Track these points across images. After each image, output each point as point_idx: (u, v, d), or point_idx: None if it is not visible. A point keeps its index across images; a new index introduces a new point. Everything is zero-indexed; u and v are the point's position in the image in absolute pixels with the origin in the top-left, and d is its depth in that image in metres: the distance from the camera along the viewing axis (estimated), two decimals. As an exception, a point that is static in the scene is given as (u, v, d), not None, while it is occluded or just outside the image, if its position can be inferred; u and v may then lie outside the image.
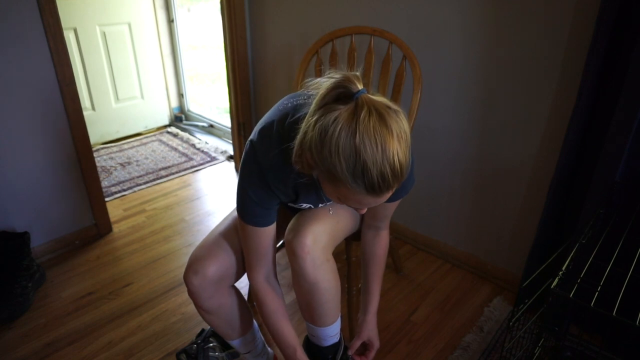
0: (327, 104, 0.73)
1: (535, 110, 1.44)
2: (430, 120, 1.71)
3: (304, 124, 0.77)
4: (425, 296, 1.68)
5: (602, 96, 1.24)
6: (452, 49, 1.57)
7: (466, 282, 1.76)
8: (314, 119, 0.73)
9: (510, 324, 1.01)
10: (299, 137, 0.78)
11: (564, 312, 1.23)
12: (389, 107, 0.74)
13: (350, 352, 1.19)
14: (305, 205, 1.06)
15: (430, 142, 1.75)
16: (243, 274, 1.13)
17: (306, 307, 1.10)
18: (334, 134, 0.70)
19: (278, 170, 0.90)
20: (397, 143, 0.73)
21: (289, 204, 1.06)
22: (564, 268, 0.95)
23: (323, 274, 1.02)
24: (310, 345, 1.19)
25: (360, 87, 0.74)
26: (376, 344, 1.20)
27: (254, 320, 1.26)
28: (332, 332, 1.14)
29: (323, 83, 0.76)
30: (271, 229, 1.02)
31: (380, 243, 1.17)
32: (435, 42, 1.60)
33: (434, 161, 1.77)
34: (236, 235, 1.10)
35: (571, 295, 0.88)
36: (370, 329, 1.18)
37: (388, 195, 0.77)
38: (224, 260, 1.07)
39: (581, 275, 0.94)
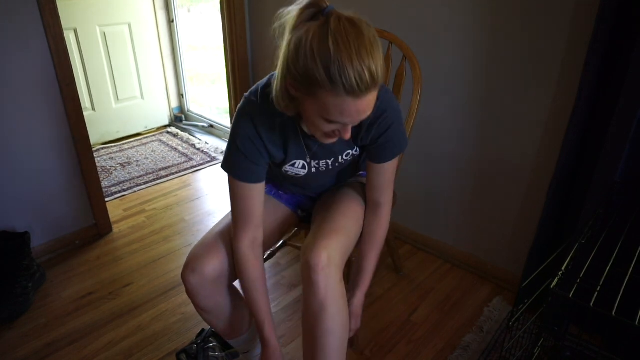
0: (299, 24, 0.79)
1: (535, 110, 1.44)
2: (430, 120, 1.71)
3: (281, 50, 0.82)
4: (425, 296, 1.68)
5: (602, 96, 1.24)
6: (452, 49, 1.57)
7: (466, 282, 1.76)
8: (288, 38, 0.79)
9: (510, 324, 1.02)
10: (278, 66, 0.83)
11: (564, 312, 1.23)
12: (359, 18, 0.80)
13: None
14: (298, 164, 1.05)
15: (430, 142, 1.75)
16: None
17: (310, 340, 1.00)
18: (306, 42, 0.76)
19: (267, 117, 0.95)
20: (369, 44, 0.77)
21: (284, 170, 1.07)
22: (563, 268, 0.95)
23: (333, 294, 0.97)
24: None
25: (328, 4, 0.80)
26: (356, 324, 1.14)
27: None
28: None
29: (293, 9, 0.82)
30: (259, 188, 1.02)
31: (379, 222, 1.14)
32: (435, 42, 1.60)
33: (434, 161, 1.77)
34: (229, 231, 1.09)
35: (571, 295, 0.88)
36: (355, 308, 1.13)
37: (368, 98, 0.80)
38: (222, 258, 1.06)
39: (581, 276, 0.94)
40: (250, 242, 1.05)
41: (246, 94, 0.99)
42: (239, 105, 0.99)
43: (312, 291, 0.98)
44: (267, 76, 0.99)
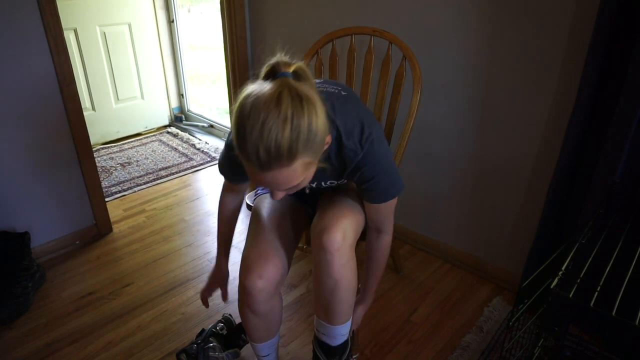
0: (260, 79, 0.82)
1: (535, 110, 1.44)
2: (430, 120, 1.71)
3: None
4: (425, 296, 1.68)
5: (602, 96, 1.24)
6: (452, 49, 1.57)
7: (466, 282, 1.76)
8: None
9: (510, 324, 1.02)
10: None
11: (564, 312, 1.23)
12: (300, 95, 0.76)
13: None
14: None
15: (430, 142, 1.75)
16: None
17: (324, 304, 1.10)
18: (239, 100, 0.78)
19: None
20: (280, 123, 0.74)
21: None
22: (563, 268, 0.95)
23: (347, 272, 1.04)
24: (320, 344, 1.18)
25: (289, 71, 0.80)
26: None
27: None
28: (344, 331, 1.15)
29: (269, 62, 0.83)
30: (244, 185, 1.18)
31: (379, 246, 1.18)
32: (435, 42, 1.60)
33: (434, 161, 1.77)
34: (281, 234, 1.13)
35: (571, 295, 0.88)
36: (355, 319, 1.23)
37: (275, 174, 0.78)
38: (282, 262, 1.08)
39: (581, 275, 0.94)
40: (231, 194, 1.21)
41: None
42: (227, 140, 1.06)
43: (326, 271, 1.02)
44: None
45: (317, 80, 1.06)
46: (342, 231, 1.01)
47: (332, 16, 1.89)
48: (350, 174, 1.03)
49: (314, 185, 1.13)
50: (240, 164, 0.94)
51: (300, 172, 0.82)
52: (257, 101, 0.75)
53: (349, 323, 1.15)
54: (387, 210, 1.11)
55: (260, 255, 1.06)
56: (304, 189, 1.14)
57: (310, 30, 2.01)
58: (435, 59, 1.62)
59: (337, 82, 1.08)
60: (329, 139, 0.88)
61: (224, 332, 1.35)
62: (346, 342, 1.18)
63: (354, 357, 1.27)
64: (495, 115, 1.54)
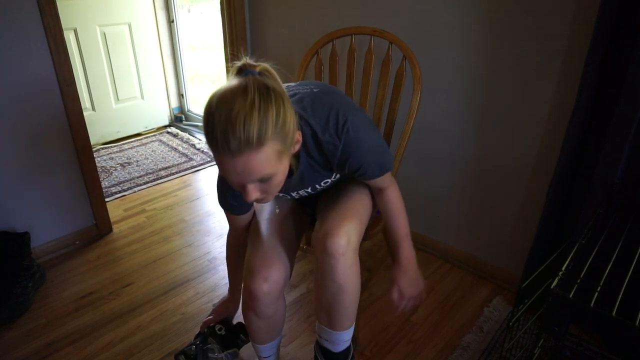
0: (231, 77, 0.85)
1: (535, 110, 1.44)
2: (430, 121, 1.71)
3: None
4: (425, 296, 1.68)
5: (602, 96, 1.24)
6: (452, 50, 1.57)
7: (466, 282, 1.76)
8: None
9: (510, 324, 1.01)
10: None
11: (564, 312, 1.23)
12: (267, 86, 0.80)
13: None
14: (278, 194, 1.14)
15: (430, 142, 1.75)
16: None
17: (327, 309, 1.08)
18: (208, 99, 0.82)
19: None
20: (248, 107, 0.76)
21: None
22: (563, 268, 0.95)
23: (351, 276, 1.02)
24: (322, 350, 1.17)
25: (256, 69, 0.84)
26: (406, 292, 1.13)
27: None
28: (347, 337, 1.13)
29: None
30: (245, 217, 1.16)
31: (389, 200, 1.15)
32: (435, 42, 1.60)
33: (434, 161, 1.77)
34: (283, 236, 1.13)
35: (571, 296, 0.88)
36: (400, 275, 1.14)
37: (244, 160, 0.78)
38: (285, 265, 1.08)
39: (581, 276, 0.94)
40: (235, 233, 1.24)
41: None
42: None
43: (329, 275, 1.01)
44: None
45: (292, 84, 1.06)
46: (347, 235, 1.00)
47: (332, 16, 1.89)
48: (339, 168, 1.01)
49: (309, 190, 1.12)
50: (227, 190, 1.00)
51: (272, 160, 0.81)
52: (224, 93, 0.79)
53: (351, 329, 1.13)
54: (385, 177, 1.10)
55: (264, 259, 1.06)
56: (296, 193, 1.13)
57: (310, 30, 2.01)
58: (435, 59, 1.62)
59: (312, 82, 1.07)
60: (299, 135, 0.90)
61: (222, 332, 1.35)
62: (348, 348, 1.17)
63: None
64: (496, 115, 1.54)
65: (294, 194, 1.13)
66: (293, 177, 1.03)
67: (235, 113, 0.76)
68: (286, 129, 0.82)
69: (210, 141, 0.79)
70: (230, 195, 1.07)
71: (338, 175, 1.11)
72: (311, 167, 1.03)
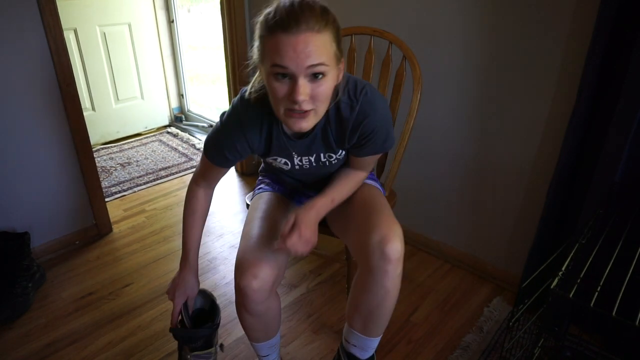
0: None
1: (535, 110, 1.44)
2: (430, 121, 1.71)
3: None
4: (425, 296, 1.68)
5: (602, 97, 1.24)
6: (452, 50, 1.57)
7: (466, 282, 1.76)
8: None
9: (510, 324, 1.02)
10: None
11: (564, 312, 1.23)
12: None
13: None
14: (280, 160, 1.12)
15: (430, 142, 1.75)
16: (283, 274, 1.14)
17: (365, 314, 1.08)
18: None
19: (255, 115, 1.01)
20: (311, 1, 0.84)
21: (267, 161, 1.15)
22: (563, 268, 0.95)
23: (399, 282, 1.04)
24: (349, 356, 1.16)
25: None
26: (304, 233, 1.02)
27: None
28: (376, 344, 1.14)
29: None
30: (225, 170, 1.14)
31: (352, 178, 1.14)
32: (435, 42, 1.60)
33: (434, 161, 1.77)
34: (277, 234, 1.10)
35: (571, 296, 0.88)
36: (305, 214, 1.06)
37: (302, 37, 0.82)
38: (277, 263, 1.07)
39: (581, 276, 0.94)
40: (204, 187, 1.17)
41: (242, 90, 1.04)
42: (234, 99, 1.05)
43: (380, 281, 1.01)
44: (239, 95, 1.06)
45: None
46: (400, 240, 1.01)
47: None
48: (351, 134, 1.02)
49: (312, 160, 1.10)
50: (231, 142, 1.02)
51: (329, 52, 0.85)
52: None
53: (380, 337, 1.14)
54: (372, 159, 1.13)
55: (255, 256, 1.05)
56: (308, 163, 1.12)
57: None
58: (435, 59, 1.62)
59: None
60: (343, 65, 0.94)
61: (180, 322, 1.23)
62: (373, 356, 1.17)
63: None
64: (496, 115, 1.54)
65: (296, 160, 1.11)
66: (305, 139, 1.04)
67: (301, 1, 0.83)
68: (340, 36, 0.89)
69: (271, 22, 0.83)
70: (230, 149, 1.05)
71: (341, 156, 1.11)
72: (324, 133, 1.04)
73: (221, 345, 1.30)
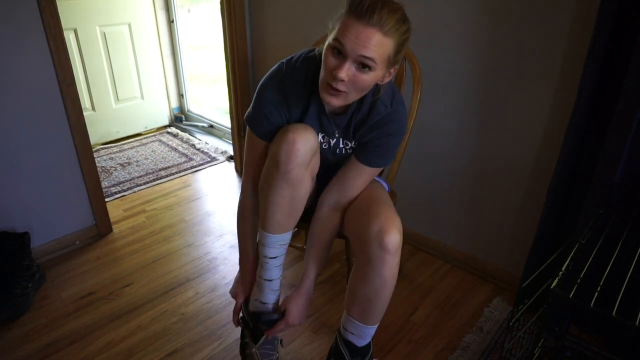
0: None
1: (535, 110, 1.44)
2: (430, 121, 1.71)
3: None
4: (425, 296, 1.68)
5: (602, 96, 1.24)
6: (452, 50, 1.57)
7: (466, 282, 1.76)
8: None
9: (510, 324, 1.02)
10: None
11: (564, 312, 1.23)
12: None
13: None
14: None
15: (430, 142, 1.75)
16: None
17: (363, 302, 1.12)
18: None
19: (297, 82, 1.08)
20: (400, 6, 0.95)
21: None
22: (563, 268, 0.95)
23: (396, 271, 1.08)
24: (346, 343, 1.19)
25: None
26: (294, 321, 1.22)
27: None
28: (373, 332, 1.17)
29: None
30: (264, 144, 1.16)
31: (332, 225, 1.20)
32: (435, 42, 1.60)
33: (434, 161, 1.77)
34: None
35: (571, 296, 0.88)
36: (292, 303, 1.22)
37: (369, 31, 0.90)
38: (315, 141, 1.10)
39: (581, 276, 0.94)
40: (252, 192, 1.22)
41: (286, 59, 1.11)
42: (274, 68, 1.11)
43: (379, 270, 1.06)
44: (301, 51, 1.13)
45: None
46: (399, 231, 1.05)
47: (332, 16, 1.89)
48: (367, 130, 1.09)
49: (331, 141, 1.17)
50: (278, 116, 1.09)
51: (383, 54, 0.93)
52: None
53: (377, 325, 1.17)
54: (364, 180, 1.17)
55: (296, 128, 1.07)
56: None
57: (311, 30, 2.01)
58: (435, 59, 1.62)
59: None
60: (394, 71, 1.03)
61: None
62: (370, 344, 1.20)
63: None
64: (495, 115, 1.54)
65: (320, 137, 1.16)
66: (336, 118, 1.10)
67: (390, 1, 0.92)
68: (404, 46, 0.99)
69: (353, 8, 0.91)
70: (277, 118, 1.11)
71: (351, 148, 1.17)
72: (348, 122, 1.10)
73: (280, 341, 1.32)
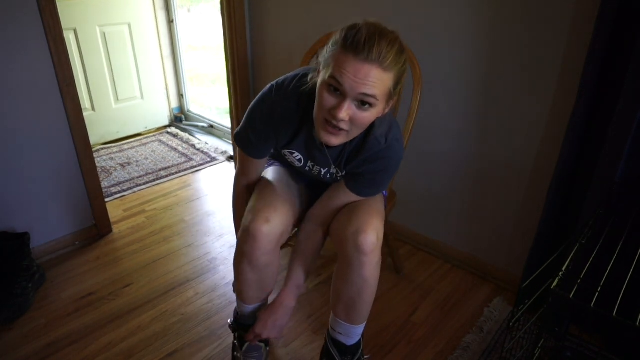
0: None
1: (535, 110, 1.44)
2: (430, 121, 1.71)
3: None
4: (425, 296, 1.68)
5: (602, 97, 1.24)
6: (452, 50, 1.57)
7: (466, 282, 1.76)
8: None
9: (511, 324, 1.01)
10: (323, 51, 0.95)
11: (564, 313, 1.23)
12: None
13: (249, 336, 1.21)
14: (296, 155, 1.14)
15: (430, 142, 1.75)
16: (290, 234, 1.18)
17: (347, 303, 1.12)
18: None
19: (289, 106, 1.03)
20: (396, 38, 0.89)
21: (283, 152, 1.15)
22: (564, 268, 0.95)
23: (377, 272, 1.08)
24: (335, 343, 1.20)
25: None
26: (264, 334, 1.18)
27: None
28: (360, 331, 1.18)
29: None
30: (261, 162, 1.18)
31: (316, 238, 1.21)
32: (435, 42, 1.60)
33: (434, 161, 1.77)
34: (288, 192, 1.16)
35: (571, 296, 0.88)
36: (264, 313, 1.19)
37: (368, 68, 0.85)
38: (287, 215, 1.10)
39: (581, 276, 0.94)
40: (246, 185, 1.23)
41: (277, 82, 1.06)
42: (264, 90, 1.07)
43: (358, 271, 1.06)
44: (295, 71, 1.08)
45: None
46: (376, 232, 1.04)
47: (332, 16, 1.89)
48: (359, 163, 1.06)
49: (324, 170, 1.15)
50: (268, 137, 1.05)
51: (384, 90, 0.88)
52: (366, 22, 0.90)
53: (364, 324, 1.18)
54: (353, 202, 1.15)
55: (267, 203, 1.08)
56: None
57: (310, 30, 2.01)
58: (435, 59, 1.61)
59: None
60: (394, 101, 0.98)
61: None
62: (359, 342, 1.21)
63: (365, 357, 1.28)
64: (496, 115, 1.54)
65: (309, 164, 1.15)
66: (330, 150, 1.07)
67: (386, 32, 0.87)
68: (402, 78, 0.93)
69: (349, 43, 0.85)
70: (264, 143, 1.10)
71: (335, 175, 1.15)
72: (340, 153, 1.08)
73: (267, 345, 1.33)
